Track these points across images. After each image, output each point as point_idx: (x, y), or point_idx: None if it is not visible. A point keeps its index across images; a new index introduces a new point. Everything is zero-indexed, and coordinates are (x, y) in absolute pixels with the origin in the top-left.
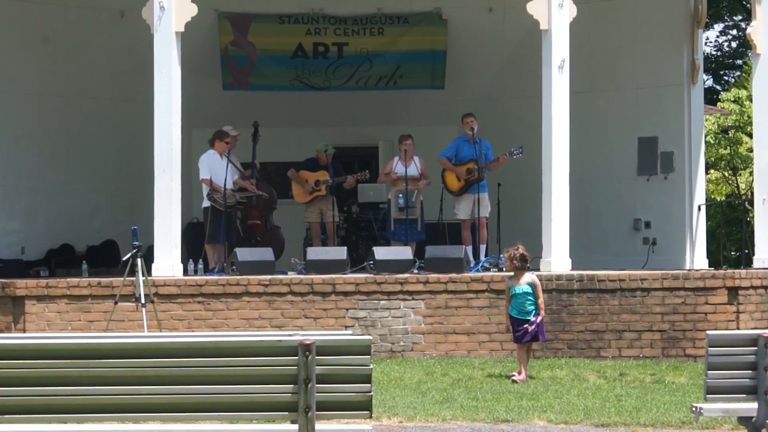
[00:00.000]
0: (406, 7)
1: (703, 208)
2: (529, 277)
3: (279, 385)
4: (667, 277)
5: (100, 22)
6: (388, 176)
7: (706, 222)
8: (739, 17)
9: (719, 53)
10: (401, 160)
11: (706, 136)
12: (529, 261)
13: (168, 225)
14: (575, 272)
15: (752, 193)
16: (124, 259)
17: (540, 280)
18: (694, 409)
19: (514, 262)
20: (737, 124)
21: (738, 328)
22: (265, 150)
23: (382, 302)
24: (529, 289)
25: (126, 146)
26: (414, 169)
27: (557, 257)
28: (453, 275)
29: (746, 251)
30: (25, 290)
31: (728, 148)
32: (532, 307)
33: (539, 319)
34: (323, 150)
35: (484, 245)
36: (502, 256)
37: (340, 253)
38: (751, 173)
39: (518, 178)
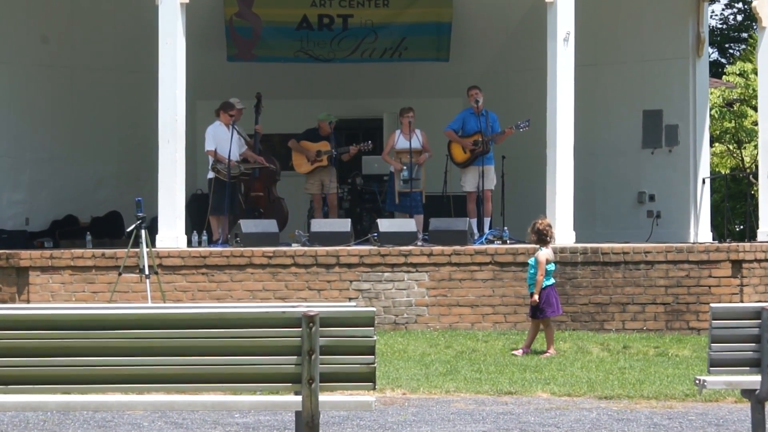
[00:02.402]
0: None
1: (708, 181)
2: (538, 252)
3: (282, 357)
4: (671, 250)
5: None
6: (393, 159)
7: (711, 195)
8: None
9: (725, 26)
10: (403, 134)
11: (711, 110)
12: (549, 236)
13: (172, 196)
14: (579, 245)
15: (757, 167)
16: (128, 230)
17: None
18: (697, 381)
19: (532, 235)
20: (742, 97)
21: (742, 301)
22: (270, 121)
23: (386, 274)
24: (533, 263)
25: (131, 117)
26: (416, 141)
27: (561, 230)
28: (457, 248)
29: (750, 224)
30: (29, 261)
31: (733, 121)
32: (531, 282)
33: (534, 297)
34: (326, 120)
35: (489, 218)
36: (506, 228)
37: (344, 225)
38: (755, 147)
39: (523, 150)
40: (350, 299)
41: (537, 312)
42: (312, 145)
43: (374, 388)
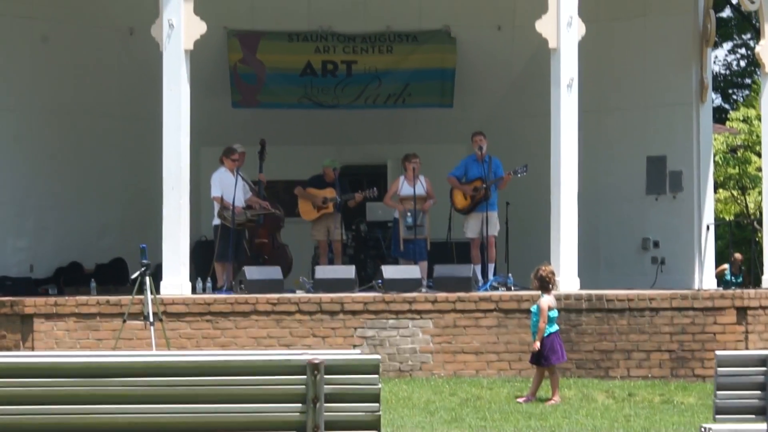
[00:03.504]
0: (414, 25)
1: (712, 227)
2: (540, 299)
3: (287, 404)
4: (676, 296)
5: (109, 40)
6: (396, 202)
7: (715, 242)
8: (748, 36)
9: (728, 72)
10: (407, 180)
11: (714, 156)
12: (552, 283)
13: (177, 243)
14: (584, 292)
15: (761, 213)
16: (133, 277)
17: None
18: (703, 429)
19: (534, 281)
20: (746, 143)
21: (747, 348)
22: (273, 168)
23: (390, 321)
24: (536, 310)
25: (135, 164)
26: (420, 188)
27: (566, 277)
28: (461, 294)
29: (755, 271)
30: (33, 308)
31: (737, 167)
32: (535, 330)
33: (535, 344)
34: (330, 166)
35: (493, 264)
36: (510, 275)
37: (348, 271)
38: (759, 193)
39: (527, 197)
40: (355, 346)
41: (542, 359)
42: (318, 191)
43: None
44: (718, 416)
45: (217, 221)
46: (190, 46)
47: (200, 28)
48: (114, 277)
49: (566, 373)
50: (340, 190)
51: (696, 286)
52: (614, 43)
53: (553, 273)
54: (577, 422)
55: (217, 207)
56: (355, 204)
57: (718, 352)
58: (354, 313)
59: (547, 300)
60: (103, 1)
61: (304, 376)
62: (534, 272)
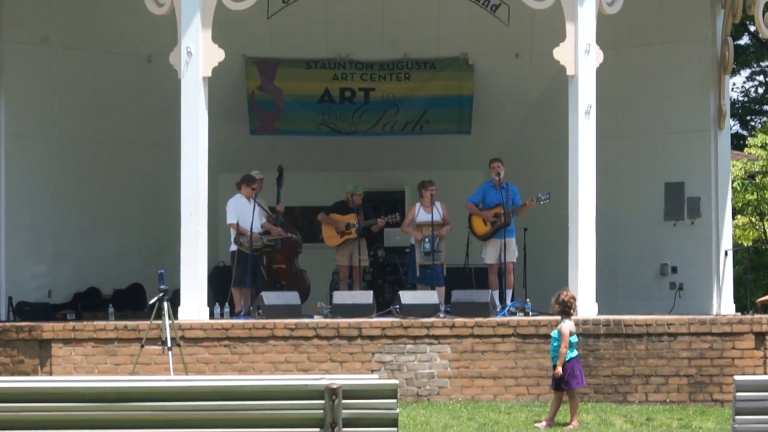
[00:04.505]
0: (432, 52)
1: (730, 253)
2: (561, 324)
3: (305, 429)
4: (694, 322)
5: (128, 68)
6: (413, 230)
7: (733, 267)
8: (766, 63)
9: (746, 99)
10: (423, 207)
11: (732, 182)
12: (573, 308)
13: (194, 269)
14: (602, 317)
15: None
16: (151, 302)
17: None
18: None
19: (555, 306)
20: (764, 169)
21: (765, 374)
22: (291, 194)
23: (408, 346)
24: (556, 335)
25: (153, 190)
26: (437, 214)
27: (584, 302)
28: (479, 319)
29: None
30: (51, 333)
31: (755, 193)
32: (555, 354)
33: (557, 369)
34: (353, 192)
35: (511, 290)
36: (528, 300)
37: (366, 297)
38: None
39: (545, 223)
40: (372, 371)
41: (562, 384)
42: (341, 217)
43: None
44: None
45: (233, 247)
46: (209, 74)
47: (218, 55)
48: (132, 302)
49: (584, 398)
50: (363, 216)
51: (714, 312)
52: (632, 70)
53: (574, 298)
54: None
55: (233, 233)
56: (378, 229)
57: (736, 377)
58: (372, 338)
59: (567, 325)
60: (121, 28)
61: (322, 401)
62: (555, 297)
